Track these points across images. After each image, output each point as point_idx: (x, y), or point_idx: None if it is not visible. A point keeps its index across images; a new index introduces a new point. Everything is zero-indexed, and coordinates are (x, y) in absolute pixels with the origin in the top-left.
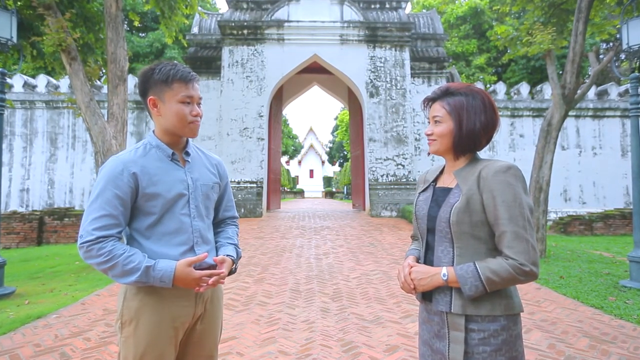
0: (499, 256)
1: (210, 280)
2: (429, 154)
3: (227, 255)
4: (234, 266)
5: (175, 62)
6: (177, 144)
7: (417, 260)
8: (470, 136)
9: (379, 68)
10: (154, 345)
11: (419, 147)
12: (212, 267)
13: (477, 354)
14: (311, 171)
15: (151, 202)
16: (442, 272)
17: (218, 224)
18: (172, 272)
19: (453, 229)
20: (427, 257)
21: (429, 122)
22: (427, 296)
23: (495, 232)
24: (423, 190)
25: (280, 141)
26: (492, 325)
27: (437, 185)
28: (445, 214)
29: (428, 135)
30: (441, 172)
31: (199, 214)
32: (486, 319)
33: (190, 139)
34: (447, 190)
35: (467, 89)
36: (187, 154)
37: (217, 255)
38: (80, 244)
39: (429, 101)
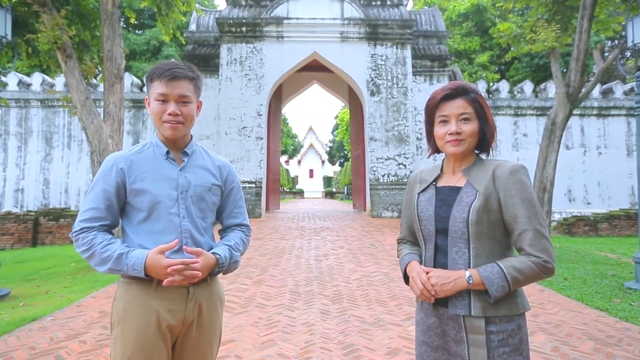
0: (520, 255)
1: (169, 269)
2: (429, 156)
3: (213, 253)
4: (219, 266)
5: (173, 60)
6: (175, 143)
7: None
8: (493, 136)
9: (379, 66)
10: (141, 348)
11: (420, 147)
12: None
13: (498, 356)
14: (311, 171)
15: (139, 198)
16: (467, 275)
17: (224, 230)
18: (144, 260)
19: (471, 229)
20: (438, 260)
21: (443, 121)
22: (440, 301)
23: (513, 231)
24: (422, 191)
25: (280, 140)
26: (509, 325)
27: (440, 185)
28: (461, 214)
29: (457, 134)
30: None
31: (189, 214)
32: (504, 320)
33: (194, 139)
34: (456, 190)
35: (476, 88)
36: (185, 153)
37: None
38: (71, 234)
39: (449, 97)
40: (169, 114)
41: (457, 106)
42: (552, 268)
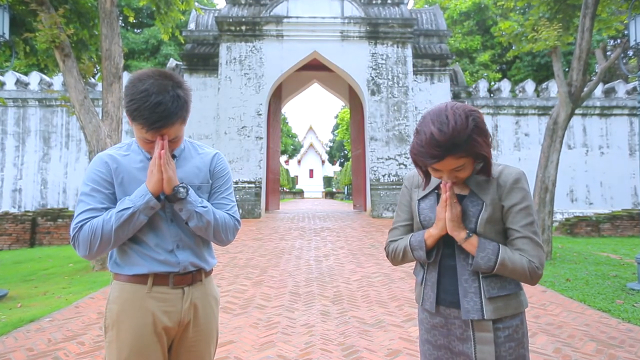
0: None
1: (158, 153)
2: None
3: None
4: (180, 185)
5: (150, 92)
6: None
7: (425, 269)
8: (488, 157)
9: (380, 65)
10: (137, 351)
11: None
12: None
13: (505, 351)
14: (311, 171)
15: None
16: (469, 233)
17: None
18: (144, 184)
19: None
20: (446, 263)
21: (436, 169)
22: (446, 302)
23: (508, 237)
24: (423, 197)
25: (280, 140)
26: (514, 321)
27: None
28: (468, 224)
29: (453, 183)
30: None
31: (177, 218)
32: (509, 316)
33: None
34: (459, 198)
35: (465, 122)
36: (173, 156)
37: (204, 261)
38: (71, 241)
39: (437, 159)
40: (155, 156)
41: (448, 164)
42: (539, 274)
